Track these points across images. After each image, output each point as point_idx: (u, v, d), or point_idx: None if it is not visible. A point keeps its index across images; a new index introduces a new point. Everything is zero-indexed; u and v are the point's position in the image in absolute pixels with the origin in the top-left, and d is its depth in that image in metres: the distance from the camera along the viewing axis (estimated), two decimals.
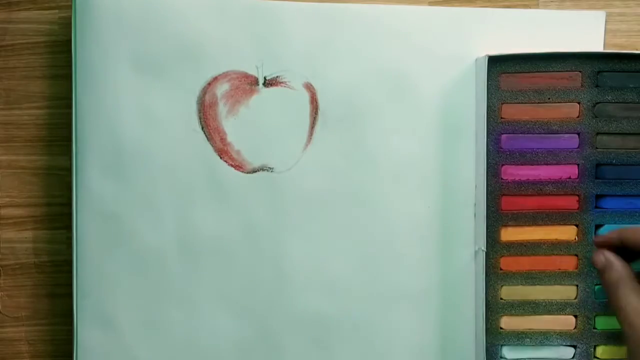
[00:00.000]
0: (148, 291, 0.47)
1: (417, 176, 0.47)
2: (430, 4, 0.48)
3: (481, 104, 0.46)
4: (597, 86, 0.46)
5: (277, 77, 0.47)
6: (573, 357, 0.47)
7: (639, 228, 0.42)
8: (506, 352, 0.47)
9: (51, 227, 0.48)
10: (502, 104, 0.46)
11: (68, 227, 0.47)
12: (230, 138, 0.47)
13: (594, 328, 0.47)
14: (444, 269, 0.47)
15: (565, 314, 0.47)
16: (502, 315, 0.47)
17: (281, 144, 0.47)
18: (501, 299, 0.47)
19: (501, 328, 0.47)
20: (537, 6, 0.48)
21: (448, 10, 0.47)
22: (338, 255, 0.47)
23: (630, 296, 0.41)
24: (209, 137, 0.47)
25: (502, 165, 0.47)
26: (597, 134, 0.47)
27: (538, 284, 0.47)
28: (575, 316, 0.47)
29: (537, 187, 0.47)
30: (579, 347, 0.47)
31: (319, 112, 0.47)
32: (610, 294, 0.42)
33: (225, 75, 0.47)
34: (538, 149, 0.46)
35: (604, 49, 0.47)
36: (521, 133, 0.46)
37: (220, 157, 0.47)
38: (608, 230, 0.45)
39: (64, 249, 0.48)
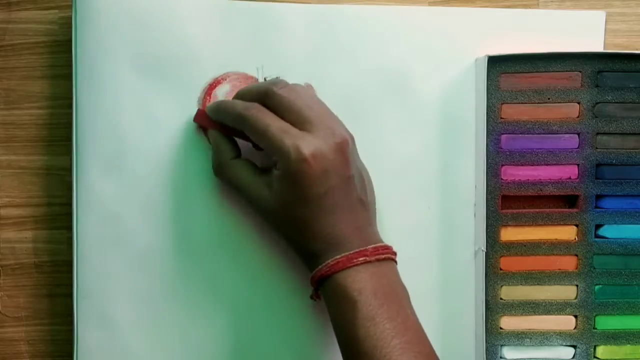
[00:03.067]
0: (148, 291, 0.47)
1: (417, 176, 0.47)
2: (430, 4, 0.48)
3: (481, 104, 0.46)
4: (597, 86, 0.46)
5: (277, 77, 0.47)
6: (573, 358, 0.47)
7: (232, 104, 0.43)
8: (506, 352, 0.47)
9: (51, 227, 0.48)
10: (502, 104, 0.46)
11: (68, 227, 0.47)
12: None
13: (594, 328, 0.47)
14: (444, 269, 0.47)
15: (565, 314, 0.47)
16: (502, 316, 0.47)
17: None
18: (501, 299, 0.47)
19: (501, 328, 0.47)
20: (537, 6, 0.48)
21: (448, 10, 0.47)
22: None
23: (237, 174, 0.44)
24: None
25: (502, 165, 0.47)
26: (597, 134, 0.46)
27: (538, 284, 0.47)
28: (575, 316, 0.47)
29: (537, 188, 0.47)
30: (579, 348, 0.47)
31: None
32: (221, 174, 0.45)
33: (225, 76, 0.47)
34: (538, 149, 0.46)
35: (604, 48, 0.47)
36: (521, 133, 0.46)
37: None
38: None
39: (64, 249, 0.48)
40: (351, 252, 0.41)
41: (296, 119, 0.41)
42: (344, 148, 0.41)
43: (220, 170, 0.45)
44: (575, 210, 0.47)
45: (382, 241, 0.43)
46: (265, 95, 0.42)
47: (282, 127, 0.41)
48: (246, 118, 0.42)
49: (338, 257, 0.41)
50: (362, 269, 0.41)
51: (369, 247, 0.41)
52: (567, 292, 0.47)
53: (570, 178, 0.47)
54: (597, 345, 0.47)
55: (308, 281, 0.43)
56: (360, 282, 0.40)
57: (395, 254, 0.43)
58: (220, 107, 0.44)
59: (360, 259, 0.41)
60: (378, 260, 0.41)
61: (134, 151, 0.46)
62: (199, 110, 0.46)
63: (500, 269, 0.47)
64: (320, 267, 0.41)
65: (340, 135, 0.41)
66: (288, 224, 0.42)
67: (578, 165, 0.47)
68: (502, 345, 0.47)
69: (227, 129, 0.44)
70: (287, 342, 0.47)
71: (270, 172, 0.42)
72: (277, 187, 0.41)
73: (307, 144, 0.40)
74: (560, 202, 0.48)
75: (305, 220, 0.41)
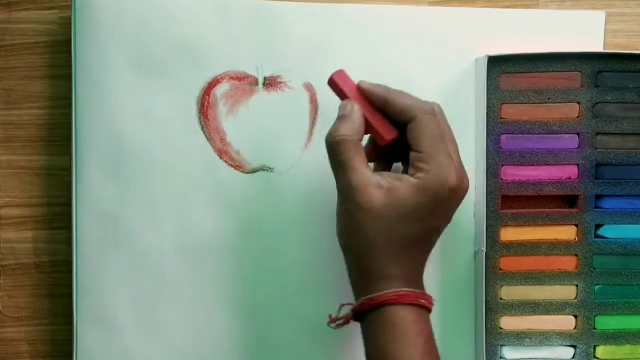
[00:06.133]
0: (147, 291, 0.47)
1: None
2: (431, 4, 0.48)
3: (481, 104, 0.46)
4: (596, 86, 0.46)
5: (276, 77, 0.47)
6: (573, 357, 0.47)
7: (404, 94, 0.41)
8: (506, 352, 0.47)
9: (51, 227, 0.48)
10: (502, 104, 0.46)
11: (68, 227, 0.47)
12: (229, 138, 0.47)
13: (594, 328, 0.47)
14: (444, 269, 0.47)
15: (565, 314, 0.47)
16: (501, 316, 0.47)
17: (281, 144, 0.47)
18: (501, 299, 0.47)
19: (501, 328, 0.47)
20: (537, 6, 0.48)
21: (448, 10, 0.47)
22: (338, 255, 0.47)
23: (357, 157, 0.39)
24: (209, 137, 0.47)
25: (502, 165, 0.47)
26: (597, 134, 0.46)
27: (538, 284, 0.47)
28: (575, 316, 0.47)
29: (536, 188, 0.47)
30: (578, 347, 0.47)
31: (319, 112, 0.47)
32: (339, 146, 0.40)
33: (225, 75, 0.46)
34: (538, 149, 0.46)
35: (604, 49, 0.47)
36: (521, 133, 0.46)
37: (220, 157, 0.47)
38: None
39: (64, 249, 0.48)
40: (416, 290, 0.40)
41: (452, 147, 0.40)
42: (464, 195, 0.41)
43: (339, 142, 0.40)
44: (575, 210, 0.47)
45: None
46: (432, 111, 0.40)
47: (448, 146, 0.40)
48: (426, 114, 0.39)
49: (406, 289, 0.39)
50: (422, 311, 0.40)
51: (426, 293, 0.41)
52: (566, 292, 0.47)
53: (570, 178, 0.47)
54: (597, 345, 0.47)
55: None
56: (420, 322, 0.39)
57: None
58: (386, 89, 0.41)
59: (422, 300, 0.40)
60: (429, 310, 0.40)
61: (133, 151, 0.46)
62: (342, 70, 0.41)
63: (500, 269, 0.47)
64: (387, 292, 0.39)
65: (469, 182, 0.41)
66: (381, 233, 0.39)
67: (578, 165, 0.46)
68: (501, 345, 0.47)
69: (367, 112, 0.41)
70: (286, 343, 0.47)
71: (385, 175, 0.40)
72: (402, 194, 0.39)
73: (457, 175, 0.39)
74: (560, 202, 0.47)
75: (403, 239, 0.39)
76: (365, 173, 0.39)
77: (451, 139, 0.41)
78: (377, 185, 0.39)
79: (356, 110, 0.40)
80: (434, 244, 0.42)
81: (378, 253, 0.39)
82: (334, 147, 0.40)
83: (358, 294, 0.41)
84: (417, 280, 0.41)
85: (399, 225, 0.39)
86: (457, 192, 0.40)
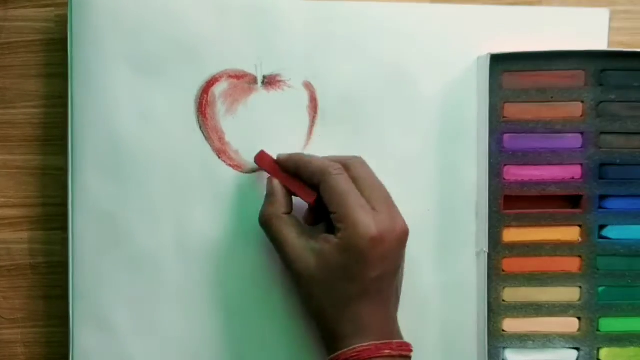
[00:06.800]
0: (145, 293, 0.46)
1: (418, 176, 0.47)
2: (432, 1, 0.47)
3: (483, 103, 0.46)
4: (600, 85, 0.46)
5: (276, 75, 0.46)
6: None
7: (314, 160, 0.43)
8: (508, 354, 0.46)
9: (47, 227, 0.48)
10: (505, 103, 0.46)
11: (64, 227, 0.46)
12: (228, 137, 0.46)
13: (598, 330, 0.46)
14: (446, 271, 0.47)
15: (569, 316, 0.47)
16: (504, 318, 0.46)
17: (280, 144, 0.46)
18: (503, 300, 0.46)
19: (503, 330, 0.46)
20: (540, 3, 0.48)
21: (450, 7, 0.47)
22: None
23: (285, 231, 0.42)
24: (207, 137, 0.46)
25: (505, 165, 0.46)
26: (601, 133, 0.46)
27: (541, 286, 0.46)
28: (579, 318, 0.46)
29: (540, 188, 0.46)
30: (582, 350, 0.46)
31: (319, 111, 0.47)
32: (267, 225, 0.43)
33: (223, 73, 0.46)
34: (541, 148, 0.46)
35: (608, 46, 0.47)
36: (524, 133, 0.46)
37: (219, 157, 0.46)
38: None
39: (60, 250, 0.48)
40: (379, 342, 0.40)
41: (372, 196, 0.41)
42: (404, 239, 0.41)
43: (267, 221, 0.43)
44: (578, 210, 0.46)
45: (402, 336, 0.42)
46: (346, 166, 0.42)
47: (359, 200, 0.40)
48: (330, 176, 0.41)
49: (365, 344, 0.40)
50: None
51: (394, 341, 0.41)
52: (570, 293, 0.47)
53: (573, 178, 0.46)
54: (601, 347, 0.46)
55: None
56: None
57: (412, 351, 0.42)
58: (298, 158, 0.43)
59: (386, 351, 0.40)
60: (401, 356, 0.41)
61: (130, 151, 0.46)
62: (261, 151, 0.45)
63: (503, 271, 0.46)
64: (345, 350, 0.40)
65: (404, 224, 0.41)
66: (324, 297, 0.41)
67: (582, 165, 0.46)
68: (504, 348, 0.47)
69: (287, 182, 0.43)
70: (284, 345, 0.47)
71: (318, 238, 0.41)
72: (330, 256, 0.40)
73: (378, 224, 0.40)
74: (563, 203, 0.47)
75: (345, 299, 0.40)
76: (295, 242, 0.42)
77: (369, 187, 0.41)
78: (310, 250, 0.41)
79: (276, 186, 0.43)
80: (395, 290, 0.42)
81: (328, 316, 0.41)
82: (264, 227, 0.43)
83: (326, 355, 0.42)
84: (381, 332, 0.41)
85: (338, 286, 0.40)
86: (385, 239, 0.40)
